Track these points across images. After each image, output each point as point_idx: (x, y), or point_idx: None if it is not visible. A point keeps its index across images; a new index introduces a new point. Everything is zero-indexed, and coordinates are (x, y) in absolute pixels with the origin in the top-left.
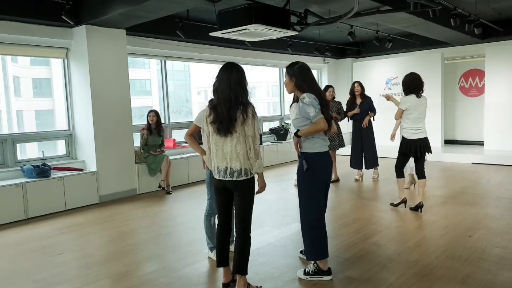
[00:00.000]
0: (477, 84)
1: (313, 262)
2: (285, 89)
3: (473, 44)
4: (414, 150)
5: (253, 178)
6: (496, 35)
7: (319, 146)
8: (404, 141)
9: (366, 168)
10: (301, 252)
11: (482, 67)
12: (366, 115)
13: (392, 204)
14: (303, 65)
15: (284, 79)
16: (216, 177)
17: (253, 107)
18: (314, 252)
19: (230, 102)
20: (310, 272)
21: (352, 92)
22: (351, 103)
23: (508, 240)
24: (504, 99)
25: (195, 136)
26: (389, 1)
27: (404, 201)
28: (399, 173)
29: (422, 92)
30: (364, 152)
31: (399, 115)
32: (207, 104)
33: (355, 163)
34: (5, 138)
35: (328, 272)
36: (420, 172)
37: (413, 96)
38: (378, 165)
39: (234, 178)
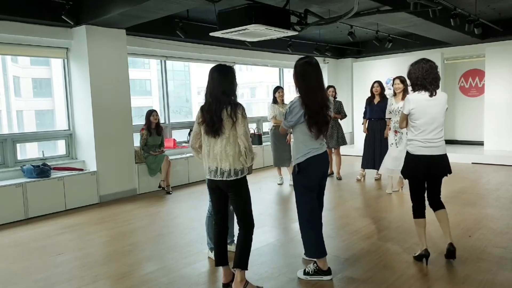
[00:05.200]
0: (477, 84)
1: (312, 262)
2: (284, 89)
3: (473, 44)
4: (424, 171)
5: (244, 177)
6: (496, 35)
7: (303, 154)
8: (409, 158)
9: (377, 169)
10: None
11: (482, 67)
12: (381, 115)
13: (414, 256)
14: (307, 62)
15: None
16: (208, 177)
17: (242, 107)
18: (309, 249)
19: (209, 105)
20: (310, 272)
21: (371, 91)
22: (369, 101)
23: (508, 240)
24: (504, 99)
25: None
26: (389, 1)
27: (425, 255)
28: (417, 211)
29: (437, 87)
30: (377, 153)
31: (403, 122)
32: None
33: (367, 163)
34: (5, 138)
35: (328, 272)
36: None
37: (421, 94)
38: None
39: (224, 178)
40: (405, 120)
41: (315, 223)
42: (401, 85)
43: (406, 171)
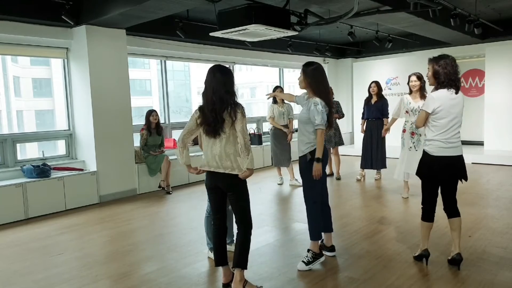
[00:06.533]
0: (477, 84)
1: (308, 251)
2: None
3: (473, 44)
4: (443, 173)
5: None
6: (496, 35)
7: (313, 144)
8: (427, 158)
9: (375, 168)
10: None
11: (482, 67)
12: (378, 115)
13: (414, 256)
14: (317, 67)
15: (299, 75)
16: (206, 169)
17: (242, 107)
18: (310, 232)
19: (213, 104)
20: (310, 260)
21: (369, 91)
22: (367, 101)
23: (508, 240)
24: (504, 99)
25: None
26: (389, 1)
27: (425, 255)
28: (428, 214)
29: (459, 85)
30: (375, 153)
31: (423, 121)
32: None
33: (365, 163)
34: (5, 138)
35: (321, 253)
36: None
37: (445, 92)
38: (386, 167)
39: (227, 172)
40: (426, 119)
41: (319, 207)
42: (418, 82)
43: (423, 172)
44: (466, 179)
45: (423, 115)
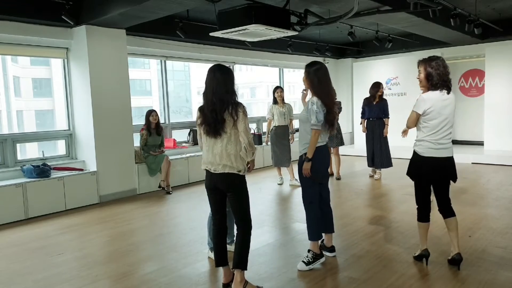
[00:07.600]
0: (477, 84)
1: (309, 251)
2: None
3: (473, 44)
4: (432, 173)
5: (243, 177)
6: (496, 35)
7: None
8: (416, 159)
9: (377, 168)
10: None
11: (482, 67)
12: (380, 115)
13: (414, 256)
14: (319, 68)
15: (303, 75)
16: (207, 168)
17: (243, 106)
18: (309, 232)
19: (213, 104)
20: (310, 261)
21: (375, 91)
22: (368, 102)
23: (508, 240)
24: (504, 99)
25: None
26: (389, 1)
27: (425, 255)
28: (422, 214)
29: (450, 85)
30: (377, 152)
31: (414, 122)
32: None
33: (371, 162)
34: (5, 138)
35: (321, 254)
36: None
37: (436, 94)
38: (392, 165)
39: (226, 171)
40: (416, 120)
41: (316, 206)
42: None
43: (413, 173)
44: (454, 181)
45: (414, 116)
